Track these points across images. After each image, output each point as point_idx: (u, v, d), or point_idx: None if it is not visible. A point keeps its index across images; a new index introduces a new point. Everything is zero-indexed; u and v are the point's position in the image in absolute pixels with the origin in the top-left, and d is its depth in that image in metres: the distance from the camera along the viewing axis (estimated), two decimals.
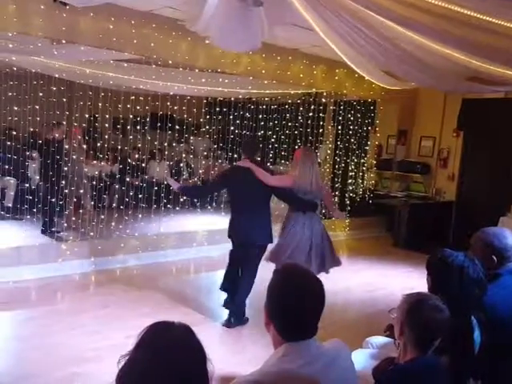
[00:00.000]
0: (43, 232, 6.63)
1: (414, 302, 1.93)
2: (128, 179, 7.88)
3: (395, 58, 4.69)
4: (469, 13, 3.12)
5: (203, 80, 7.36)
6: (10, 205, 7.46)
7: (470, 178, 8.72)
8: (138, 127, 8.11)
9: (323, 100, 8.99)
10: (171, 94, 8.07)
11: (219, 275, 6.25)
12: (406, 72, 5.62)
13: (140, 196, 7.39)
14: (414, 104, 9.34)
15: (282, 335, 1.58)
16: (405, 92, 8.20)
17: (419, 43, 4.14)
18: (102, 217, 6.71)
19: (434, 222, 8.43)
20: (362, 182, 9.59)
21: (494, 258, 2.47)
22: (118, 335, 3.99)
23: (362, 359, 2.68)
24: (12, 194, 7.57)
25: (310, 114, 8.98)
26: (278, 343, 1.59)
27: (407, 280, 6.15)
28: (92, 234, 6.46)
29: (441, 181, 9.09)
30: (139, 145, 8.59)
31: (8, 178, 7.51)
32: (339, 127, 9.41)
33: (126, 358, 1.21)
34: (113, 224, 6.86)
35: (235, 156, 9.66)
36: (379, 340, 2.96)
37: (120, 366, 1.20)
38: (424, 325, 1.87)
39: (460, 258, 2.22)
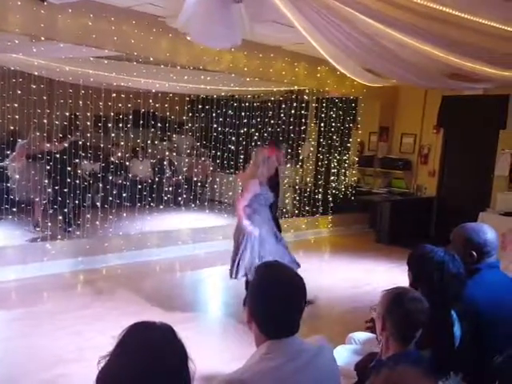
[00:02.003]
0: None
1: (393, 296, 1.96)
2: (111, 178, 7.81)
3: (375, 54, 4.73)
4: (449, 11, 3.16)
5: (185, 77, 7.32)
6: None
7: (451, 174, 8.86)
8: (121, 125, 8.03)
9: (306, 97, 9.02)
10: (153, 91, 8.01)
11: (204, 273, 6.28)
12: (386, 69, 5.67)
13: (124, 194, 7.33)
14: (395, 101, 9.43)
15: (264, 333, 1.58)
16: (386, 89, 8.27)
17: (399, 40, 4.18)
18: (88, 216, 6.66)
19: (416, 218, 8.54)
20: (345, 179, 9.65)
21: (474, 253, 2.51)
22: (103, 335, 3.95)
23: (344, 355, 2.70)
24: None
25: (293, 112, 9.00)
26: (261, 341, 1.59)
27: (390, 275, 6.21)
28: (78, 233, 6.41)
29: (422, 177, 9.20)
30: (122, 143, 8.51)
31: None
32: (322, 124, 9.46)
33: (106, 358, 1.20)
34: (97, 223, 6.80)
35: (218, 154, 9.65)
36: (362, 336, 2.99)
37: (100, 367, 1.19)
38: (405, 316, 1.90)
39: (440, 254, 2.25)
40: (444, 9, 3.15)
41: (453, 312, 2.22)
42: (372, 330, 2.68)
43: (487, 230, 2.55)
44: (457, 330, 2.19)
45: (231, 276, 4.50)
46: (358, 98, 9.34)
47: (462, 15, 3.21)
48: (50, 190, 6.72)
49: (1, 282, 5.21)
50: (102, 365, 1.19)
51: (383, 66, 5.42)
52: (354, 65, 5.96)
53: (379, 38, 4.19)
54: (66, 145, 6.89)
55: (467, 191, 8.42)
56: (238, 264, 4.39)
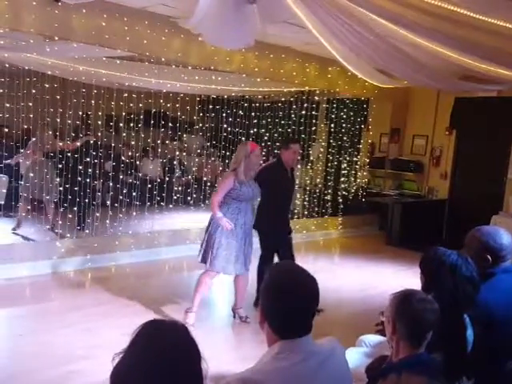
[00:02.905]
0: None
1: (401, 298, 1.96)
2: (121, 177, 7.84)
3: (387, 55, 4.70)
4: (462, 11, 3.14)
5: (196, 77, 7.34)
6: (2, 202, 7.39)
7: (463, 177, 8.78)
8: (132, 125, 8.07)
9: (316, 98, 8.99)
10: (164, 91, 8.03)
11: None
12: (398, 70, 5.64)
13: (134, 194, 7.37)
14: (407, 102, 9.37)
15: (277, 333, 1.57)
16: (398, 90, 8.23)
17: (412, 41, 4.15)
18: (97, 214, 6.71)
19: (427, 220, 8.48)
20: (355, 181, 9.61)
21: (489, 257, 2.48)
22: (112, 333, 3.98)
23: (355, 357, 2.69)
24: (4, 191, 7.50)
25: (303, 112, 8.98)
26: (273, 341, 1.59)
27: (400, 278, 6.18)
28: (87, 231, 6.45)
29: (433, 179, 9.13)
30: (132, 142, 8.55)
31: (0, 175, 7.44)
32: (332, 125, 9.43)
33: (120, 355, 1.21)
34: (107, 222, 6.84)
35: (228, 154, 9.65)
36: (373, 338, 2.97)
37: (114, 364, 1.21)
38: (415, 317, 1.88)
39: (453, 257, 2.24)
40: (457, 9, 3.12)
41: (466, 316, 2.20)
42: (382, 333, 2.66)
43: (503, 235, 2.53)
44: (470, 334, 2.17)
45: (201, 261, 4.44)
46: (370, 99, 9.29)
47: (476, 16, 3.19)
48: (61, 188, 6.77)
49: (12, 279, 5.27)
50: (115, 362, 1.21)
51: (395, 66, 5.39)
52: (366, 65, 5.93)
53: (391, 38, 4.17)
54: (79, 144, 6.94)
55: (480, 194, 8.34)
56: (205, 251, 4.35)
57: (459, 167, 8.84)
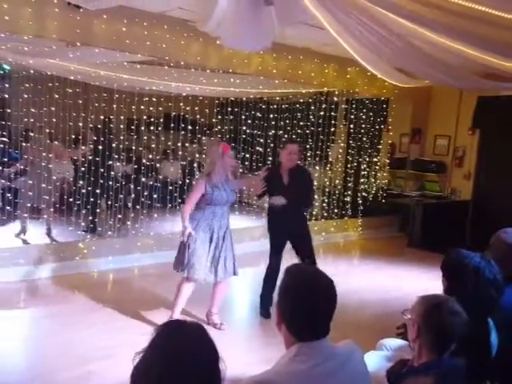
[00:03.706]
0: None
1: (431, 305, 1.90)
2: (142, 179, 7.93)
3: (407, 55, 4.65)
4: (482, 9, 3.09)
5: (215, 80, 7.38)
6: (29, 205, 7.55)
7: (487, 177, 8.60)
8: (152, 128, 8.17)
9: (335, 99, 8.95)
10: (184, 94, 8.10)
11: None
12: (418, 69, 5.57)
13: (154, 196, 7.45)
14: (428, 102, 9.25)
15: (294, 335, 1.57)
16: (418, 89, 8.13)
17: (432, 40, 4.10)
18: (119, 216, 6.81)
19: (450, 222, 8.33)
20: (375, 182, 9.52)
21: None
22: (133, 333, 4.03)
23: (375, 361, 2.66)
24: (30, 194, 7.65)
25: (322, 113, 8.93)
26: (290, 343, 1.59)
27: (421, 281, 6.09)
28: (109, 233, 6.55)
29: (456, 180, 8.98)
30: (153, 145, 8.65)
31: (24, 178, 7.59)
32: (351, 126, 9.36)
33: (141, 355, 1.23)
34: (129, 223, 6.93)
35: (247, 155, 9.67)
36: (393, 342, 2.94)
37: (134, 364, 1.23)
38: (441, 329, 1.84)
39: (476, 259, 2.20)
40: (478, 7, 3.07)
41: (489, 320, 2.16)
42: (403, 336, 2.63)
43: None
44: (493, 338, 2.13)
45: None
46: (389, 99, 9.20)
47: (498, 13, 3.13)
48: (84, 190, 6.88)
49: (35, 280, 5.39)
50: (136, 361, 1.23)
51: (415, 66, 5.33)
52: (385, 65, 5.88)
53: (411, 37, 4.13)
54: (83, 151, 7.07)
55: (504, 194, 8.15)
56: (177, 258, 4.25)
57: (483, 167, 8.67)
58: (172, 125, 8.15)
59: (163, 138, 8.32)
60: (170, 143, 8.66)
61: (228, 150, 4.29)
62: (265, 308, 4.80)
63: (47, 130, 7.02)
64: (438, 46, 4.26)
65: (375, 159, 9.56)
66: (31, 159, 6.69)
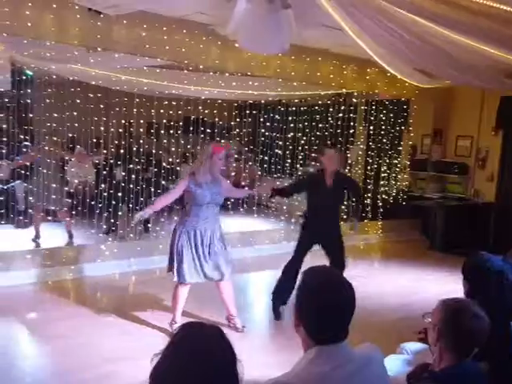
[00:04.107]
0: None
1: (452, 310, 1.87)
2: (162, 182, 8.00)
3: (428, 55, 4.60)
4: (505, 8, 3.04)
5: (233, 83, 7.42)
6: (52, 207, 7.68)
7: (511, 179, 8.43)
8: (171, 131, 8.25)
9: (354, 100, 8.89)
10: (202, 98, 8.16)
11: (251, 277, 6.32)
12: (439, 69, 5.51)
13: None
14: (450, 102, 9.12)
15: (312, 338, 1.56)
16: (440, 90, 8.03)
17: (452, 40, 4.04)
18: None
19: (472, 225, 8.19)
20: (395, 184, 9.41)
21: None
22: (153, 334, 4.06)
23: (396, 365, 2.63)
24: (52, 196, 7.78)
25: (341, 115, 8.89)
26: (308, 346, 1.58)
27: (443, 284, 6.00)
28: (131, 235, 6.62)
29: (479, 182, 8.82)
30: (172, 149, 8.72)
31: (46, 182, 7.72)
32: (371, 127, 9.27)
33: (159, 356, 1.24)
34: (149, 226, 6.99)
35: (265, 158, 9.68)
36: (414, 346, 2.90)
37: (153, 365, 1.24)
38: (463, 333, 1.81)
39: (498, 263, 2.16)
40: (502, 6, 3.02)
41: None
42: (425, 340, 2.59)
43: None
44: None
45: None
46: (410, 100, 9.11)
47: None
48: (105, 193, 6.98)
49: (57, 281, 5.46)
50: (154, 362, 1.24)
51: (436, 66, 5.27)
52: (406, 66, 5.83)
53: (432, 37, 4.08)
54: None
55: None
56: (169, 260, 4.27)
57: (507, 169, 8.48)
58: (191, 128, 8.21)
59: (182, 142, 8.39)
60: (189, 146, 8.73)
61: (219, 151, 4.21)
62: (274, 306, 4.83)
63: (69, 135, 7.17)
64: (459, 46, 4.20)
65: (396, 161, 9.46)
66: (39, 160, 6.72)
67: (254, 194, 4.74)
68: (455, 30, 3.73)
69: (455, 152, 9.17)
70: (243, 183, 9.41)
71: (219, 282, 4.32)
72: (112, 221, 7.14)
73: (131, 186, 6.95)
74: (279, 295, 4.79)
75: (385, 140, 9.29)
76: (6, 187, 7.38)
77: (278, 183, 8.25)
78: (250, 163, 10.41)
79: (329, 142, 8.83)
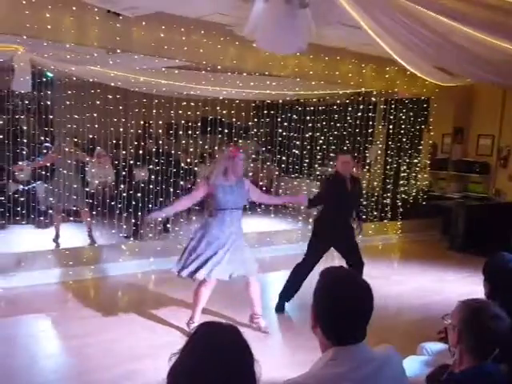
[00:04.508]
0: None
1: (473, 310, 1.85)
2: (181, 182, 8.06)
3: (449, 54, 4.53)
4: None
5: (251, 83, 7.42)
6: (74, 208, 7.79)
7: None
8: (190, 132, 8.29)
9: (373, 99, 8.82)
10: (220, 98, 8.19)
11: (269, 277, 6.31)
12: (461, 68, 5.42)
13: None
14: (471, 101, 8.98)
15: (330, 339, 1.55)
16: (460, 88, 7.91)
17: (474, 38, 3.98)
18: (160, 219, 6.93)
19: (494, 225, 8.03)
20: (415, 183, 9.31)
21: None
22: (175, 333, 4.09)
23: (415, 366, 2.60)
24: (73, 197, 7.89)
25: (359, 114, 8.83)
26: (326, 347, 1.57)
27: (463, 285, 5.92)
28: (150, 235, 6.68)
29: (501, 181, 8.68)
30: (191, 149, 8.77)
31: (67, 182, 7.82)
32: (390, 126, 9.19)
33: (177, 356, 1.25)
34: (168, 226, 7.03)
35: (283, 158, 9.66)
36: (434, 346, 2.87)
37: (171, 364, 1.25)
38: (483, 334, 1.78)
39: None
40: None
41: None
42: (445, 340, 2.56)
43: None
44: None
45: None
46: (430, 99, 9.00)
47: None
48: (124, 194, 7.05)
49: (80, 281, 5.54)
50: (172, 362, 1.25)
51: (457, 64, 5.19)
52: (426, 64, 5.75)
53: (452, 35, 4.02)
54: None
55: None
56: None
57: None
58: (209, 128, 8.25)
59: (201, 142, 8.42)
60: (206, 147, 8.77)
61: (238, 152, 4.24)
62: (280, 303, 4.97)
63: (90, 136, 7.26)
64: (480, 44, 4.13)
65: (415, 160, 9.36)
66: (59, 161, 6.81)
67: (286, 203, 4.80)
68: (475, 26, 3.67)
69: (476, 151, 9.03)
70: (261, 183, 9.40)
71: (249, 282, 4.32)
72: (133, 221, 7.20)
73: (151, 186, 7.00)
74: (287, 295, 4.95)
75: (404, 139, 9.19)
76: (27, 188, 7.50)
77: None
78: (268, 163, 10.40)
79: (345, 148, 8.81)
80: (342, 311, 1.53)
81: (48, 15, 4.72)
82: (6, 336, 4.11)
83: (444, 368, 2.09)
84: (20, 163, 7.68)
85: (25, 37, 4.84)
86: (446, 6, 3.14)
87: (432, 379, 2.15)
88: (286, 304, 5.02)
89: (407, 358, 2.70)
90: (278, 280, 6.10)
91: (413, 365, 2.59)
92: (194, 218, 7.46)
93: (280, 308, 4.99)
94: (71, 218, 7.29)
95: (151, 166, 7.17)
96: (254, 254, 4.50)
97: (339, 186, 4.81)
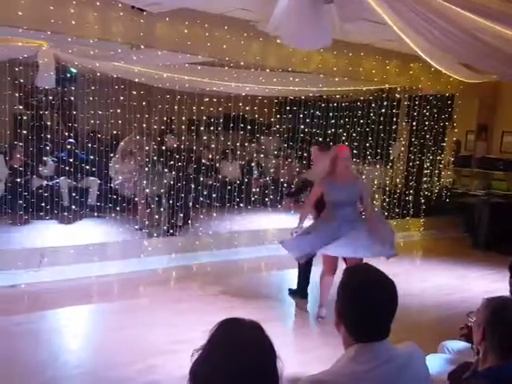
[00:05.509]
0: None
1: (497, 307, 1.83)
2: (202, 179, 8.12)
3: (474, 50, 4.46)
4: None
5: (274, 80, 7.41)
6: (94, 203, 7.90)
7: None
8: (212, 128, 8.32)
9: (397, 96, 8.73)
10: (243, 94, 8.19)
11: (289, 274, 6.30)
12: (487, 64, 5.33)
13: (214, 195, 7.58)
14: (496, 97, 8.81)
15: (353, 336, 1.55)
16: (485, 85, 7.77)
17: (499, 33, 3.91)
18: (181, 215, 6.99)
19: None
20: (439, 180, 9.19)
21: None
22: (195, 329, 4.11)
23: (437, 364, 2.59)
24: (96, 193, 8.01)
25: (383, 111, 8.75)
26: (349, 344, 1.57)
27: (487, 283, 5.84)
28: (171, 231, 6.75)
29: None
30: (212, 145, 8.80)
31: (92, 178, 7.96)
32: (414, 123, 9.09)
33: (199, 352, 1.25)
34: (189, 222, 7.09)
35: (305, 155, 9.63)
36: (456, 345, 2.84)
37: (193, 360, 1.25)
38: (508, 332, 1.77)
39: None
40: None
41: None
42: (467, 337, 2.54)
43: None
44: None
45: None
46: (455, 95, 8.87)
47: None
48: (147, 190, 7.11)
49: (103, 276, 5.56)
50: (194, 358, 1.25)
51: (483, 61, 5.10)
52: (451, 60, 5.67)
53: (478, 31, 3.96)
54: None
55: None
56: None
57: None
58: (231, 125, 8.26)
59: (223, 138, 8.44)
60: (229, 143, 8.78)
61: (340, 152, 4.51)
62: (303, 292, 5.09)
63: (114, 132, 7.33)
64: (505, 39, 4.06)
65: (439, 157, 9.24)
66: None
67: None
68: (502, 22, 3.61)
69: (500, 148, 8.88)
70: (282, 180, 9.40)
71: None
72: (156, 217, 7.24)
73: (171, 182, 7.05)
74: (304, 286, 5.06)
75: (428, 136, 9.08)
76: (51, 183, 7.62)
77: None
78: (290, 160, 10.38)
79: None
80: (366, 309, 1.53)
81: (72, 11, 4.73)
82: (29, 331, 4.15)
83: (466, 366, 2.08)
84: (44, 158, 7.80)
85: (49, 32, 4.87)
86: (471, 0, 3.09)
87: (454, 377, 2.13)
88: (310, 302, 5.04)
89: (429, 356, 2.68)
90: (294, 277, 6.11)
91: (435, 362, 2.57)
92: (214, 214, 7.48)
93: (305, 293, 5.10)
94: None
95: (172, 162, 7.20)
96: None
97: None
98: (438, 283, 6.01)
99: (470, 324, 2.26)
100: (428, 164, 9.17)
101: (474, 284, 5.95)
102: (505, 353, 1.79)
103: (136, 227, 6.95)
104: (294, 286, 5.14)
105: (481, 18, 3.54)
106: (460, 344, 2.81)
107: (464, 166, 9.24)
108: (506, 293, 2.20)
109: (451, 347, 2.84)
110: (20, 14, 4.48)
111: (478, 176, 9.08)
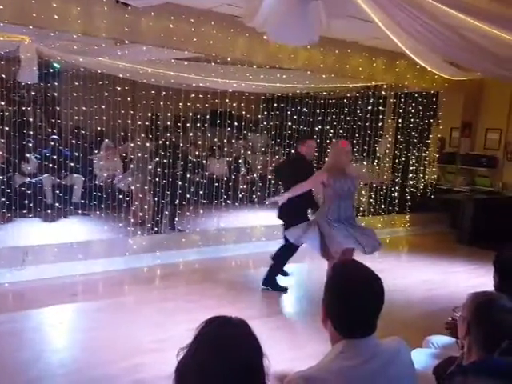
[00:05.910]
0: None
1: (482, 302, 1.85)
2: (188, 176, 8.07)
3: (459, 47, 4.49)
4: None
5: (261, 76, 7.39)
6: (78, 201, 7.80)
7: None
8: (198, 124, 8.26)
9: (383, 93, 8.78)
10: (230, 91, 8.16)
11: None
12: (471, 62, 5.38)
13: (201, 192, 7.54)
14: (480, 95, 8.92)
15: (340, 332, 1.56)
16: (469, 82, 7.85)
17: (484, 31, 3.94)
18: (166, 212, 6.94)
19: (501, 218, 8.00)
20: (424, 177, 9.28)
21: None
22: (180, 327, 4.10)
23: (422, 359, 2.61)
24: (81, 190, 7.92)
25: (369, 108, 8.79)
26: (336, 339, 1.58)
27: (471, 278, 5.92)
28: (156, 228, 6.69)
29: (508, 175, 8.65)
30: (199, 142, 8.75)
31: (76, 175, 7.85)
32: (400, 120, 9.16)
33: (185, 350, 1.24)
34: (176, 219, 7.05)
35: (292, 151, 9.63)
36: (441, 339, 2.87)
37: (179, 359, 1.24)
38: (493, 327, 1.79)
39: None
40: None
41: None
42: (452, 331, 2.56)
43: None
44: None
45: None
46: (439, 92, 8.94)
47: None
48: (132, 187, 7.05)
49: (87, 275, 5.50)
50: (180, 356, 1.24)
51: (468, 58, 5.15)
52: (436, 58, 5.71)
53: (463, 29, 3.98)
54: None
55: None
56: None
57: None
58: (218, 121, 8.22)
59: (209, 135, 8.40)
60: (216, 140, 8.74)
61: (345, 145, 4.71)
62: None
63: (99, 128, 7.23)
64: (490, 38, 4.09)
65: (424, 154, 9.33)
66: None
67: None
68: (485, 20, 3.64)
69: (484, 145, 8.99)
70: (269, 176, 9.39)
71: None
72: (141, 214, 7.19)
73: (157, 179, 6.98)
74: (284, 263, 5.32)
75: (413, 133, 9.16)
76: (34, 180, 7.51)
77: None
78: (277, 156, 10.38)
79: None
80: (352, 305, 1.53)
81: (55, 5, 4.64)
82: (13, 330, 4.09)
83: (451, 360, 2.10)
84: (27, 155, 7.68)
85: (31, 27, 4.78)
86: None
87: (439, 371, 2.15)
88: (296, 297, 5.06)
89: (414, 351, 2.70)
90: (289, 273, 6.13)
91: (420, 357, 2.59)
92: (201, 211, 7.45)
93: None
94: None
95: (158, 159, 7.14)
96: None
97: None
98: (422, 278, 6.07)
99: (454, 318, 2.28)
100: (413, 161, 9.26)
101: (458, 279, 6.02)
102: (489, 346, 1.81)
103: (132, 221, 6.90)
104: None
105: (467, 17, 3.56)
106: (445, 339, 2.83)
107: (448, 163, 9.36)
108: (491, 287, 2.22)
109: (436, 342, 2.87)
110: (1, 7, 4.39)
111: (463, 172, 9.19)
